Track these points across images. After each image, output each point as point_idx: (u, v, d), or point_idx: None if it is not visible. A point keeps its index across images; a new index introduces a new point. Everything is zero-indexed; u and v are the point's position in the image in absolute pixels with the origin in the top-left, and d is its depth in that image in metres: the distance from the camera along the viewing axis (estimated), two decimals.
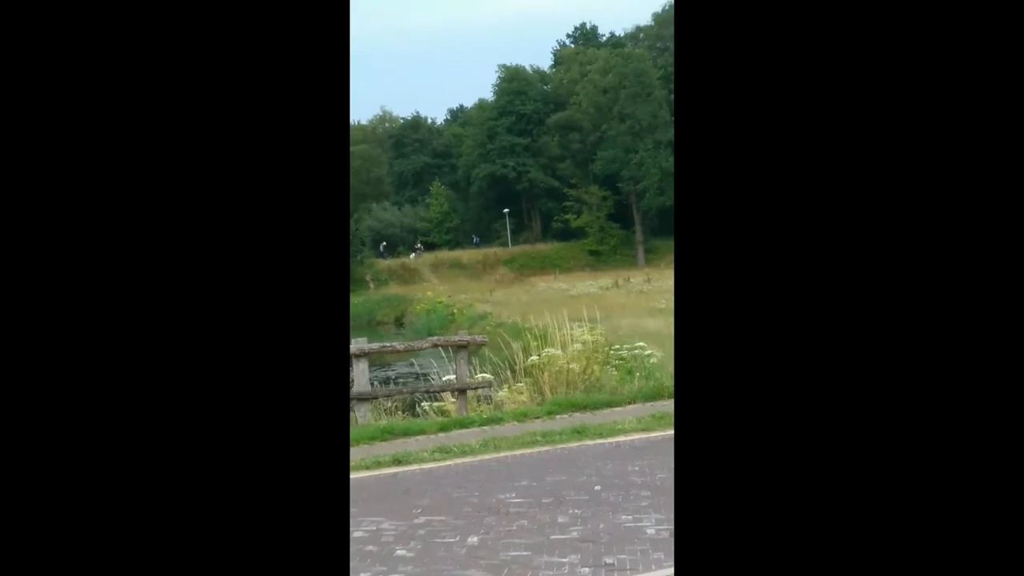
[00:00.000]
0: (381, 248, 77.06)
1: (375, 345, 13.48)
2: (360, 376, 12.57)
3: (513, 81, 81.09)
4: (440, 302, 54.76)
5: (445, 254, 76.29)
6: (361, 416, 12.44)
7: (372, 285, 70.40)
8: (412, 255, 75.77)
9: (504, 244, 78.45)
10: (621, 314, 32.42)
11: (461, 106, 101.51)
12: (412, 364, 22.47)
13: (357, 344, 12.50)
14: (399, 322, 59.23)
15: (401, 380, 20.81)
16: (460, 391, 13.20)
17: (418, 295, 62.60)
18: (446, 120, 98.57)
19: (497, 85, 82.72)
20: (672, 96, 75.44)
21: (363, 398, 12.57)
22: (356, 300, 66.25)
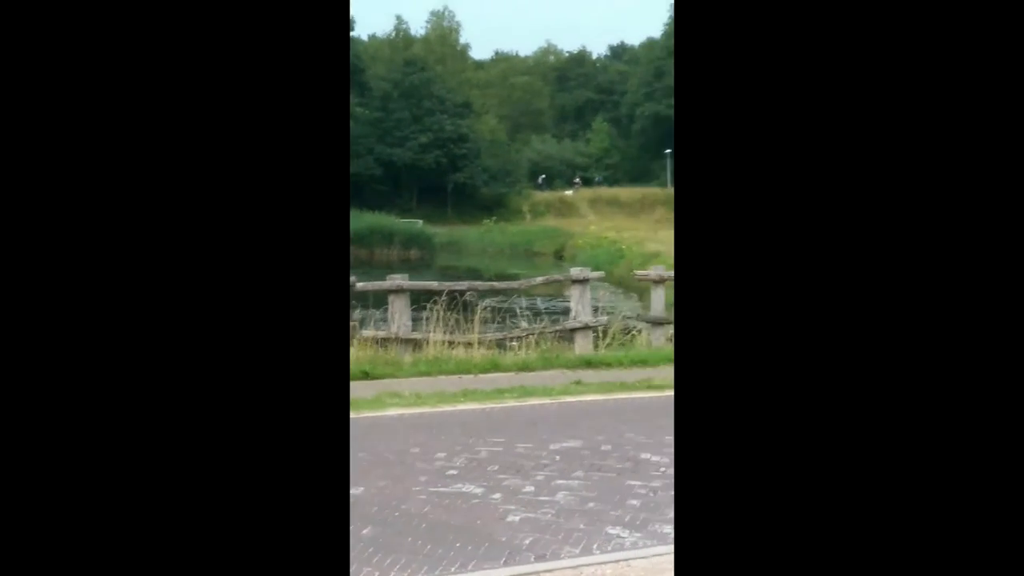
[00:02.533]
0: (539, 180, 77.18)
1: (663, 272, 13.62)
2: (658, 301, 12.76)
3: None
4: (606, 237, 54.72)
5: (603, 190, 76.04)
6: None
7: (528, 216, 70.74)
8: (570, 190, 75.74)
9: (662, 184, 77.94)
10: None
11: (622, 43, 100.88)
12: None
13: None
14: (558, 255, 59.43)
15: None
16: None
17: (577, 229, 62.73)
18: (606, 56, 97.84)
19: (668, 24, 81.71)
20: None
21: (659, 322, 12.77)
22: (513, 230, 66.80)
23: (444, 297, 12.80)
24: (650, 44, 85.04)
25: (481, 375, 11.62)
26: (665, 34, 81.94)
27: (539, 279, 14.57)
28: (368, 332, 12.40)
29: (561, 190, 75.98)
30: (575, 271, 13.45)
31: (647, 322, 13.56)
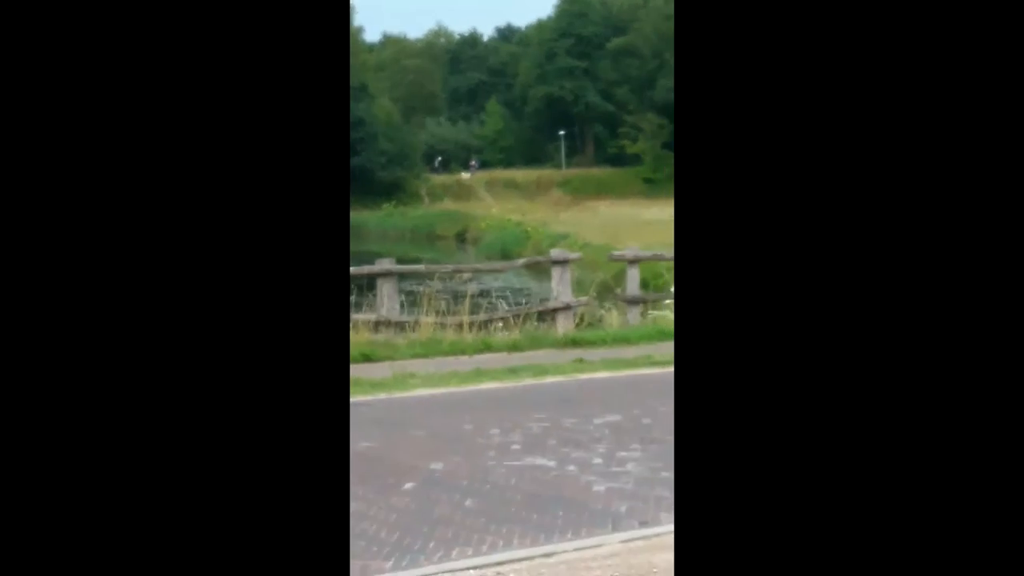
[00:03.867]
0: (436, 163, 77.26)
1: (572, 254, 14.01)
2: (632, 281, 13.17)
3: (575, 3, 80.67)
4: (509, 220, 55.08)
5: (499, 173, 76.38)
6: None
7: (427, 199, 70.83)
8: (466, 172, 75.96)
9: (557, 166, 78.61)
10: None
11: (509, 24, 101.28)
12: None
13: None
14: (461, 238, 59.67)
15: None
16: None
17: (477, 212, 62.99)
18: (493, 37, 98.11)
19: (558, 6, 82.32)
20: None
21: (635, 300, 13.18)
22: (413, 213, 66.79)
23: (436, 280, 13.02)
24: (540, 26, 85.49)
25: (476, 355, 11.89)
26: (556, 16, 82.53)
27: (521, 261, 14.84)
28: (358, 316, 12.55)
29: (457, 173, 76.17)
30: (555, 253, 13.78)
31: (623, 301, 13.93)
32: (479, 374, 10.45)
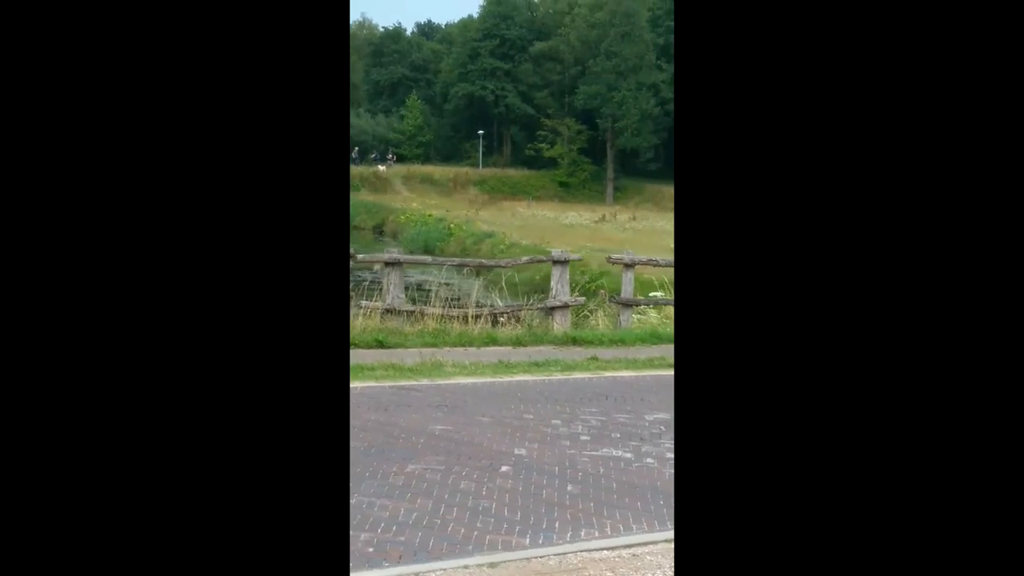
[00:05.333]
0: (352, 154, 76.90)
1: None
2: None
3: (500, 5, 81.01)
4: (431, 215, 55.13)
5: (416, 167, 76.37)
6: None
7: None
8: (383, 165, 75.77)
9: (474, 165, 78.84)
10: (638, 250, 33.54)
11: (430, 21, 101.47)
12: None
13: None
14: (379, 230, 59.48)
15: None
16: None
17: (394, 205, 62.88)
18: (412, 33, 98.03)
19: (483, 6, 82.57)
20: (659, 40, 76.44)
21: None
22: None
23: (444, 272, 13.22)
24: (464, 25, 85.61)
25: (483, 348, 12.11)
26: (481, 16, 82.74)
27: (524, 259, 15.05)
28: (366, 303, 12.70)
29: (374, 165, 75.93)
30: (556, 252, 14.02)
31: (618, 303, 14.26)
32: (507, 367, 10.67)
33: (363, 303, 12.63)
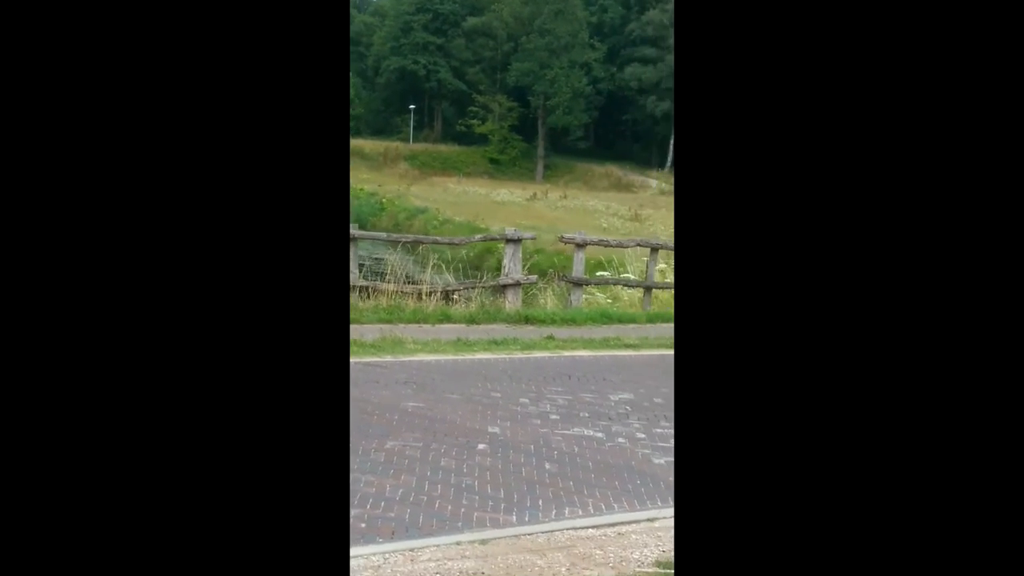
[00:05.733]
0: None
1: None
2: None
3: None
4: (362, 190, 54.86)
5: None
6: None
7: None
8: None
9: (404, 140, 78.52)
10: (570, 229, 33.72)
11: None
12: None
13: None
14: None
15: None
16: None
17: None
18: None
19: None
20: (592, 18, 76.61)
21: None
22: None
23: (399, 248, 13.22)
24: None
25: (437, 325, 12.15)
26: None
27: (477, 237, 15.06)
28: None
29: None
30: (509, 231, 14.08)
31: (569, 282, 14.36)
32: (466, 344, 10.74)
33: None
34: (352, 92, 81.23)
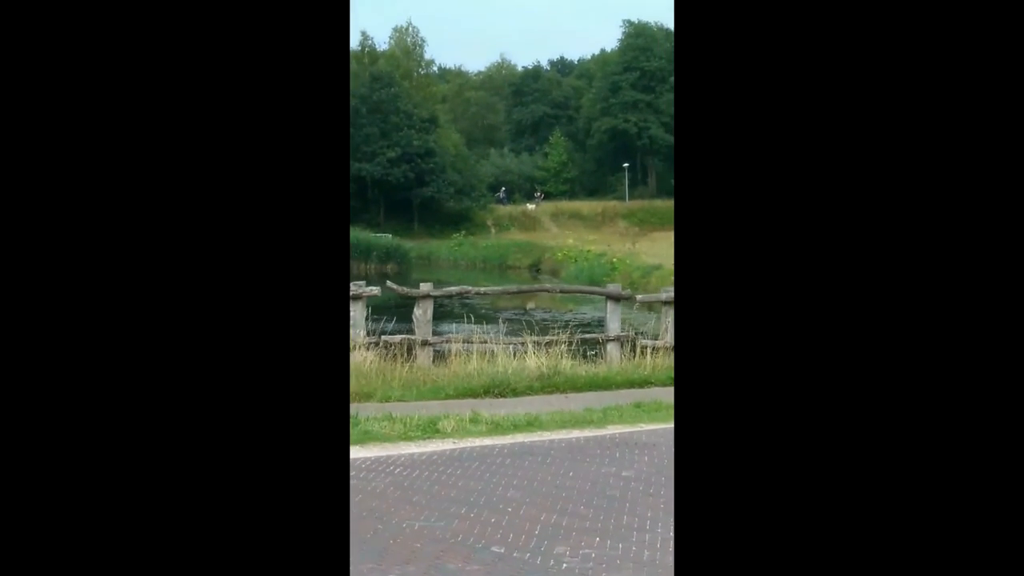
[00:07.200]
0: (500, 194, 77.92)
1: None
2: None
3: (639, 37, 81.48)
4: (589, 251, 55.33)
5: (564, 204, 76.91)
6: None
7: (493, 230, 71.29)
8: (531, 203, 76.54)
9: (620, 198, 79.10)
10: None
11: (562, 58, 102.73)
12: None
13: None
14: (536, 268, 59.90)
15: None
16: None
17: (545, 242, 63.33)
18: (547, 70, 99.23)
19: (622, 40, 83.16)
20: None
21: None
22: (482, 243, 67.23)
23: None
24: (603, 59, 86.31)
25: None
26: (620, 49, 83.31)
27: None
28: (649, 343, 13.13)
29: (521, 203, 76.74)
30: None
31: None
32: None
33: (647, 343, 13.04)
34: (565, 155, 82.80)
